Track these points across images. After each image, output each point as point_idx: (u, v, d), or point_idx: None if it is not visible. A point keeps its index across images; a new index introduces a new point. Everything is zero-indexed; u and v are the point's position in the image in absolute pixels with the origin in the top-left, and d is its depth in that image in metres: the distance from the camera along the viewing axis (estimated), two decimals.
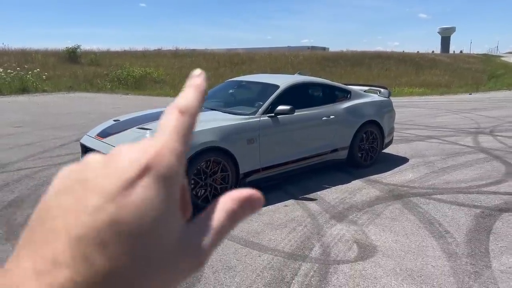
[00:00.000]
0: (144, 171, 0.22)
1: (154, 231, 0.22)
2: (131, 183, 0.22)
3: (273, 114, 4.45)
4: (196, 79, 0.27)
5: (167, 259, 0.22)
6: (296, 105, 4.54)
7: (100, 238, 0.20)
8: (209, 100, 5.39)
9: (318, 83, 5.48)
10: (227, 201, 0.25)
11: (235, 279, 2.74)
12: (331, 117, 5.03)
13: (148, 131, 3.97)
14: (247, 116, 4.39)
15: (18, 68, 17.63)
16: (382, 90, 6.07)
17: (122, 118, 4.65)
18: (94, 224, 0.20)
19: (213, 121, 4.20)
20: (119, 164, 0.23)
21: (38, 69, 18.35)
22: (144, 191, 0.22)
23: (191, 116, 0.25)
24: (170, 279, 0.23)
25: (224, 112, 4.55)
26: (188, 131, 0.25)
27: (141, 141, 0.24)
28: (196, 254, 0.24)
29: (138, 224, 0.21)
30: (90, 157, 0.24)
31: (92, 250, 0.20)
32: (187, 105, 0.25)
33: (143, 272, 0.21)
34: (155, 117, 4.47)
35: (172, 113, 0.25)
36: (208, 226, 0.24)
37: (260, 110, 4.48)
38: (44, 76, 17.98)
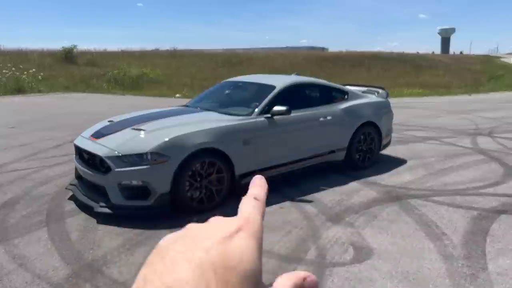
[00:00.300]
0: (238, 230, 0.30)
1: (250, 272, 0.27)
2: (230, 236, 0.29)
3: (269, 115, 4.41)
4: (259, 181, 0.37)
5: None
6: (293, 106, 4.50)
7: (213, 266, 0.26)
8: (205, 100, 5.34)
9: (315, 84, 5.45)
10: (293, 277, 0.31)
11: None
12: (328, 118, 4.99)
13: (142, 132, 3.92)
14: (243, 117, 4.34)
15: (13, 69, 17.55)
16: (380, 91, 6.04)
17: (117, 118, 4.58)
18: (208, 257, 0.26)
19: (209, 122, 4.16)
20: (218, 226, 0.30)
21: (34, 70, 18.28)
22: (241, 241, 0.29)
23: (262, 203, 0.35)
24: None
25: (220, 113, 4.50)
26: (261, 210, 0.34)
27: (231, 218, 0.32)
28: None
29: (239, 262, 0.27)
30: (190, 225, 0.31)
31: (208, 275, 0.25)
32: (258, 195, 0.35)
33: None
34: (150, 117, 4.42)
35: (249, 198, 0.35)
36: None
37: (257, 110, 4.44)
38: (40, 77, 17.89)
